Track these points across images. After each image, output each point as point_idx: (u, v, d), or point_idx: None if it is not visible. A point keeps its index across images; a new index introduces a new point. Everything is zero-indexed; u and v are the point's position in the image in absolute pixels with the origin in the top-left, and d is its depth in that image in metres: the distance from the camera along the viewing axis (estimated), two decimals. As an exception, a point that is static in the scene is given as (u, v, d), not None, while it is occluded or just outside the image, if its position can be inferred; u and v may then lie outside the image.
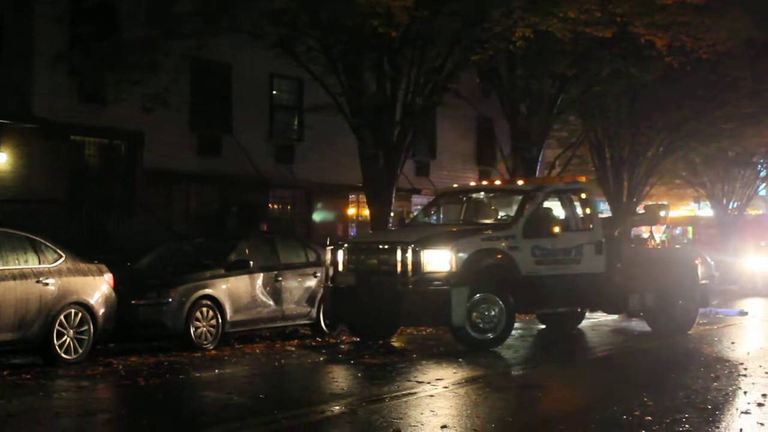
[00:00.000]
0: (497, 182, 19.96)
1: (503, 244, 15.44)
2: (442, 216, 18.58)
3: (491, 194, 18.10)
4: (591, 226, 16.60)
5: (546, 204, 16.53)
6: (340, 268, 16.00)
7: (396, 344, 16.12)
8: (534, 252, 15.67)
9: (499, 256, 15.34)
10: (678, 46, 22.45)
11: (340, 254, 16.04)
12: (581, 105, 30.75)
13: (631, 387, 11.23)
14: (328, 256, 16.26)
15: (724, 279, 24.45)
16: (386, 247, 15.44)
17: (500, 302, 15.07)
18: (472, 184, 19.96)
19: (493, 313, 15.00)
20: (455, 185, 19.57)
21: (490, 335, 15.00)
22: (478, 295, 14.91)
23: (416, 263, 14.74)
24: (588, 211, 16.76)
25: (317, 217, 25.74)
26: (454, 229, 16.13)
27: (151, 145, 24.60)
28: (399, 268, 14.82)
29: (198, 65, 25.68)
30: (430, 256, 14.79)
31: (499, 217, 17.00)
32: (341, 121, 22.83)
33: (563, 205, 16.75)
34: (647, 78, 27.67)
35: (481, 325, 14.92)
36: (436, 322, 15.89)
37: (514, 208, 16.67)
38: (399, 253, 14.85)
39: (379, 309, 15.25)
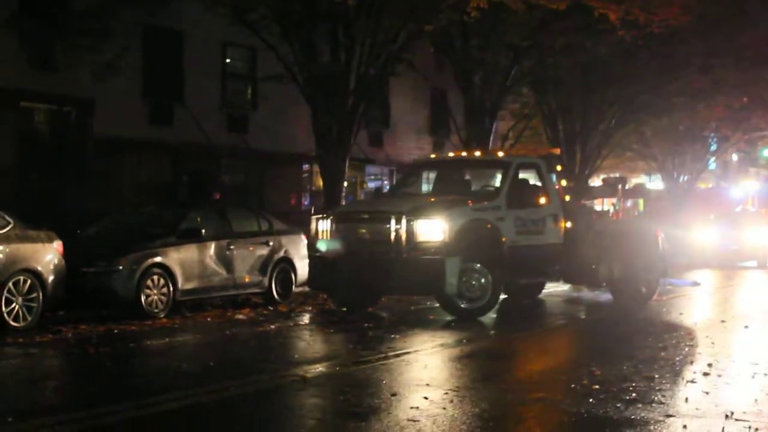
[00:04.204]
0: (477, 153, 19.83)
1: (491, 214, 15.57)
2: (413, 187, 18.39)
3: (468, 165, 18.11)
4: (550, 198, 16.71)
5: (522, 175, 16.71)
6: (327, 237, 15.97)
7: (350, 314, 16.07)
8: (516, 222, 15.82)
9: (489, 226, 15.48)
10: (631, 20, 22.56)
11: (327, 224, 15.99)
12: (534, 77, 30.88)
13: (582, 356, 11.36)
14: (313, 226, 16.23)
15: (674, 251, 24.68)
16: (377, 216, 15.45)
17: (488, 272, 15.19)
18: (451, 154, 19.86)
19: (481, 282, 15.12)
20: (432, 155, 19.53)
21: (478, 304, 15.12)
22: (468, 264, 15.01)
23: (410, 233, 14.76)
24: (547, 183, 16.85)
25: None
26: (443, 199, 16.11)
27: (102, 113, 24.24)
28: (392, 238, 14.83)
29: (150, 32, 25.38)
30: (424, 225, 14.83)
31: (472, 188, 17.05)
32: (295, 90, 22.71)
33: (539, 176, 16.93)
34: (600, 51, 27.81)
35: (468, 295, 15.03)
36: (427, 291, 15.83)
37: (486, 179, 16.78)
38: (392, 222, 14.86)
39: (367, 279, 15.25)
